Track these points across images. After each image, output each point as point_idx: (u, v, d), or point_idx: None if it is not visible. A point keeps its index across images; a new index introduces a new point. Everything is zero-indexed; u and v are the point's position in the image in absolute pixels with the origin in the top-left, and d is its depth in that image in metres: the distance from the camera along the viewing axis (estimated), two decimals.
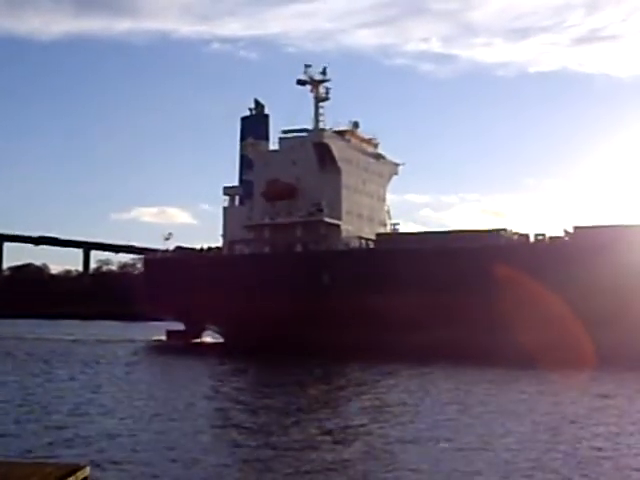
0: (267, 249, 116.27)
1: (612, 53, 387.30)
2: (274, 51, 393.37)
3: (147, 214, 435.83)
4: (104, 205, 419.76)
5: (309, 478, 27.56)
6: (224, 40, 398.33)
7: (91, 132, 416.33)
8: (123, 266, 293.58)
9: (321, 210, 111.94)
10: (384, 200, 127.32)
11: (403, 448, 32.82)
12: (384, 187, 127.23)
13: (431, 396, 51.96)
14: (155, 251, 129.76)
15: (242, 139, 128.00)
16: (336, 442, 34.15)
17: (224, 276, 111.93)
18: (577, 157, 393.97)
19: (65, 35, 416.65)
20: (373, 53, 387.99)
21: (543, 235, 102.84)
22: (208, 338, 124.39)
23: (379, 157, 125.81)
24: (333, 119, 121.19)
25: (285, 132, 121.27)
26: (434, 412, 43.76)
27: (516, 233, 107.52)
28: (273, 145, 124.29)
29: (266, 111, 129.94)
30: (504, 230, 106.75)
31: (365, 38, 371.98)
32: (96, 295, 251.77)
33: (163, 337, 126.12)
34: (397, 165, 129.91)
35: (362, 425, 38.93)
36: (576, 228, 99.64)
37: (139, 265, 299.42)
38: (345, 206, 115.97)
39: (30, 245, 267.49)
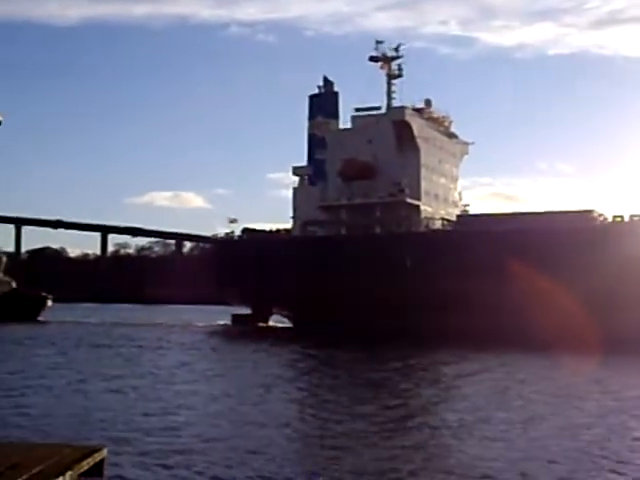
0: (343, 231, 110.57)
1: (632, 35, 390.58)
2: (292, 35, 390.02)
3: (161, 198, 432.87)
4: (118, 189, 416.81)
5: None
6: (242, 24, 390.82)
7: (107, 117, 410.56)
8: (140, 249, 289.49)
9: (402, 190, 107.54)
10: (456, 180, 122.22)
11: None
12: (457, 167, 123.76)
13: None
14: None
15: (310, 118, 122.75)
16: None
17: (295, 258, 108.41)
18: (594, 140, 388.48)
19: (82, 20, 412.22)
20: (391, 36, 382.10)
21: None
22: (274, 323, 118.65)
23: (452, 136, 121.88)
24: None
25: (358, 110, 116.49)
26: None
27: (601, 214, 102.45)
28: (343, 124, 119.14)
29: (335, 89, 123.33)
30: (591, 211, 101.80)
31: (383, 21, 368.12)
32: (115, 278, 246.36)
33: (227, 322, 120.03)
34: (467, 144, 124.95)
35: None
36: None
37: (156, 248, 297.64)
38: (424, 186, 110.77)
39: (48, 229, 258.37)
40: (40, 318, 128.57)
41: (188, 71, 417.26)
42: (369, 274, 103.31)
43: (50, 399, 40.75)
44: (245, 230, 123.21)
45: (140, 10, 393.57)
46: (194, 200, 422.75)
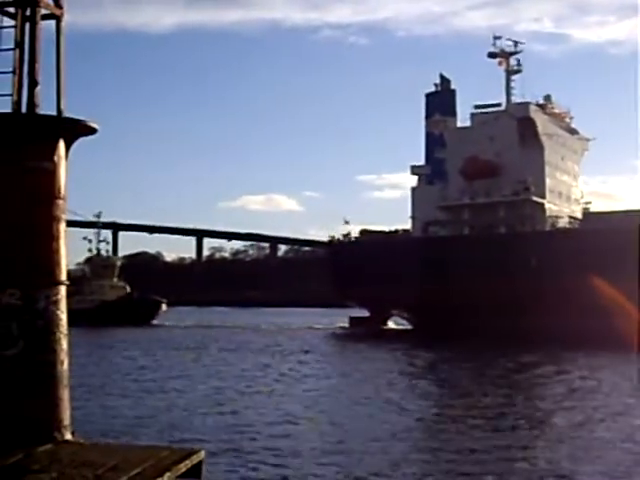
0: (466, 231, 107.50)
1: None
2: (384, 36, 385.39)
3: (254, 202, 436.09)
4: (212, 194, 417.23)
5: None
6: (334, 26, 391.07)
7: (199, 122, 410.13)
8: (235, 253, 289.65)
9: (528, 189, 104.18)
10: (578, 178, 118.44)
11: None
12: (578, 164, 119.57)
13: None
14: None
15: (427, 116, 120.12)
16: None
17: (417, 259, 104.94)
18: None
19: (176, 27, 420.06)
20: (484, 35, 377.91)
21: None
22: (393, 325, 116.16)
23: (573, 132, 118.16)
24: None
25: (477, 107, 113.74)
26: None
27: None
28: (461, 122, 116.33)
29: (452, 86, 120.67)
30: None
31: (476, 20, 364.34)
32: (211, 281, 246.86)
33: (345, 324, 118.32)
34: (588, 140, 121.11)
35: None
36: None
37: (251, 252, 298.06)
38: (548, 184, 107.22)
39: (144, 234, 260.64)
40: (154, 322, 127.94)
41: (281, 75, 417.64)
42: (492, 274, 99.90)
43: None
44: (363, 232, 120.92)
45: (232, 16, 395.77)
46: (286, 203, 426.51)
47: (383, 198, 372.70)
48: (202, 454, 13.67)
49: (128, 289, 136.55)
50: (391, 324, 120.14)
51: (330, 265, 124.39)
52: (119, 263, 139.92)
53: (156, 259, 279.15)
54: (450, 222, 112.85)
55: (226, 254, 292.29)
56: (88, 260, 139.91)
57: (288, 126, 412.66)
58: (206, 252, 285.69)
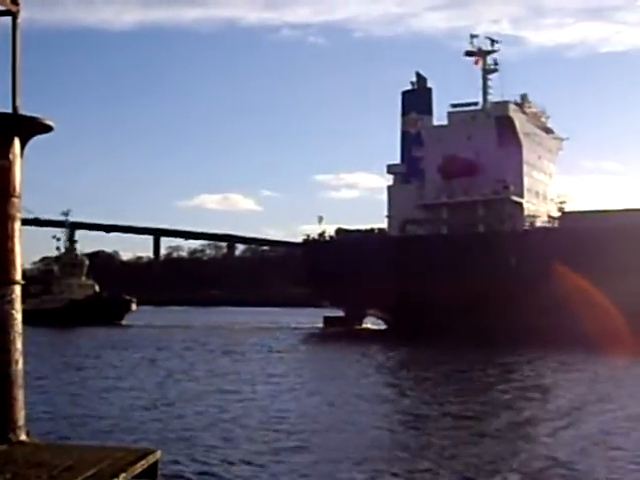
0: (444, 230, 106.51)
1: None
2: (343, 36, 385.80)
3: (211, 201, 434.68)
4: (169, 193, 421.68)
5: None
6: (293, 26, 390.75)
7: (157, 120, 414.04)
8: (193, 252, 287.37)
9: (507, 187, 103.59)
10: (553, 177, 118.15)
11: None
12: (554, 163, 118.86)
13: None
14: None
15: (403, 114, 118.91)
16: None
17: (393, 258, 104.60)
18: None
19: (135, 25, 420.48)
20: (443, 37, 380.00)
21: None
22: (368, 325, 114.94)
23: (548, 131, 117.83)
24: None
25: (454, 106, 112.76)
26: None
27: None
28: (437, 120, 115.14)
29: (428, 85, 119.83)
30: None
31: (435, 21, 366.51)
32: (168, 281, 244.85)
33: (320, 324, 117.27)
34: (562, 140, 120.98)
35: None
36: None
37: (208, 251, 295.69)
38: (526, 183, 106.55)
39: (101, 232, 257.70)
40: (124, 322, 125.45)
41: (239, 75, 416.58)
42: (470, 274, 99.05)
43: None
44: (338, 230, 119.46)
45: (191, 14, 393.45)
46: (243, 202, 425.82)
47: (340, 198, 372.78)
48: (158, 454, 13.74)
49: (97, 288, 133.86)
50: (367, 324, 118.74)
51: (305, 264, 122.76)
52: (87, 262, 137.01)
53: (113, 258, 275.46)
54: (428, 221, 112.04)
55: (184, 253, 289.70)
56: (57, 259, 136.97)
57: (246, 125, 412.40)
58: (163, 251, 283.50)
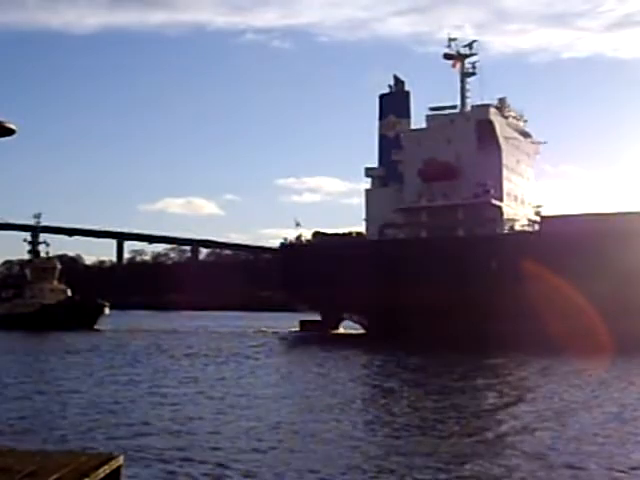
0: (423, 233, 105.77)
1: None
2: (308, 40, 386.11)
3: (175, 205, 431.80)
4: (132, 196, 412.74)
5: None
6: (258, 30, 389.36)
7: (121, 123, 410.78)
8: (156, 256, 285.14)
9: (488, 191, 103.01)
10: (530, 181, 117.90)
11: None
12: (531, 167, 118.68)
13: None
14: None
15: (381, 117, 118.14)
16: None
17: (372, 262, 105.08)
18: (603, 142, 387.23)
19: (100, 28, 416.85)
20: (407, 41, 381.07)
21: None
22: (344, 329, 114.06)
23: (526, 135, 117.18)
24: None
25: (433, 109, 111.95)
26: None
27: None
28: (415, 124, 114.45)
29: (406, 88, 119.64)
30: None
31: (399, 26, 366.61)
32: (131, 285, 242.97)
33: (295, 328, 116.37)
34: (540, 144, 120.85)
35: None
36: None
37: (172, 255, 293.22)
38: (506, 187, 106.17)
39: (64, 236, 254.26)
40: (97, 326, 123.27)
41: (204, 78, 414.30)
42: (450, 278, 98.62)
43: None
44: (315, 234, 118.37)
45: (157, 18, 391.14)
46: (206, 206, 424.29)
47: (303, 202, 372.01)
48: (121, 459, 13.70)
49: (69, 292, 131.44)
50: (343, 328, 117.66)
51: (281, 268, 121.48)
52: (59, 266, 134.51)
53: (76, 262, 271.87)
54: (407, 224, 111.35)
55: (147, 257, 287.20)
56: (28, 262, 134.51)
57: (210, 128, 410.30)
58: (127, 255, 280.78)
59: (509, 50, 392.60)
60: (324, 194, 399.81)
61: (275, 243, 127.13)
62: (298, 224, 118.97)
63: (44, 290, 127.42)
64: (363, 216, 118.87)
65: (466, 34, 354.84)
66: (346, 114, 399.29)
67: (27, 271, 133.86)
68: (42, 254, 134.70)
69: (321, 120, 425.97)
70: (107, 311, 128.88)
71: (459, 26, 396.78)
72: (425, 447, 29.24)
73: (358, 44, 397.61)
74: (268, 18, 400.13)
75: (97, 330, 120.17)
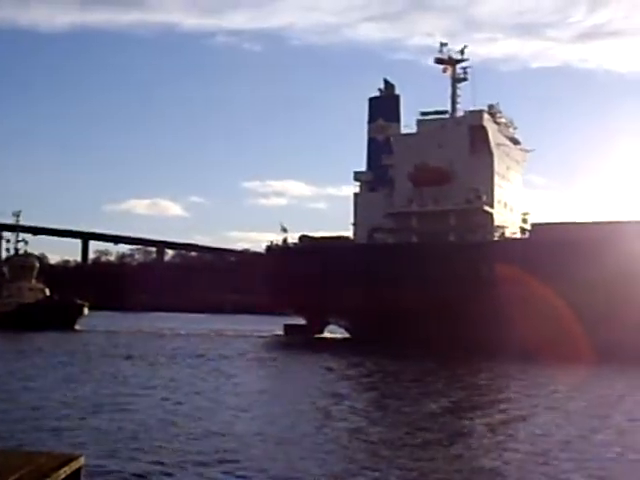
0: (414, 238, 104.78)
1: (614, 49, 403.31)
2: (278, 44, 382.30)
3: (140, 206, 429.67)
4: (97, 196, 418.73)
5: None
6: (229, 32, 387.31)
7: (87, 123, 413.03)
8: (122, 256, 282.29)
9: (480, 197, 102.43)
10: (519, 188, 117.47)
11: None
12: (520, 174, 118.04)
13: None
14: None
15: (370, 121, 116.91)
16: None
17: (361, 267, 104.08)
18: (570, 152, 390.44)
19: (70, 27, 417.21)
20: (378, 47, 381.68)
21: None
22: (329, 333, 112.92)
23: (516, 142, 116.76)
24: None
25: (424, 114, 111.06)
26: None
27: None
28: (405, 128, 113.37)
29: (397, 91, 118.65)
30: None
31: (370, 32, 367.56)
32: (96, 285, 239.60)
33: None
34: (528, 151, 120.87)
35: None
36: None
37: (137, 256, 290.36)
38: (497, 194, 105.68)
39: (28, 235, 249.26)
40: (77, 327, 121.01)
41: (173, 79, 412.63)
42: (440, 283, 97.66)
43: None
44: (302, 237, 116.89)
45: (128, 18, 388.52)
46: (172, 208, 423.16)
47: (270, 205, 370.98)
48: (82, 460, 13.55)
49: (47, 292, 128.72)
50: (328, 332, 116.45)
51: (267, 271, 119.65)
52: (37, 265, 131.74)
53: (40, 261, 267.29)
54: (397, 229, 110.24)
55: (112, 258, 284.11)
56: (7, 260, 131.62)
57: (177, 129, 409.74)
58: (92, 255, 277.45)
59: (478, 59, 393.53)
60: (290, 198, 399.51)
61: (241, 246, 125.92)
62: (284, 229, 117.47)
63: (22, 289, 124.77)
64: (351, 220, 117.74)
65: (436, 41, 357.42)
66: (315, 117, 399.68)
67: (5, 269, 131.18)
68: (20, 252, 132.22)
69: (289, 123, 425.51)
70: (86, 311, 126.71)
71: (430, 34, 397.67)
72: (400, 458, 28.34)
73: (329, 48, 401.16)
74: (239, 21, 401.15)
75: (77, 330, 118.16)
